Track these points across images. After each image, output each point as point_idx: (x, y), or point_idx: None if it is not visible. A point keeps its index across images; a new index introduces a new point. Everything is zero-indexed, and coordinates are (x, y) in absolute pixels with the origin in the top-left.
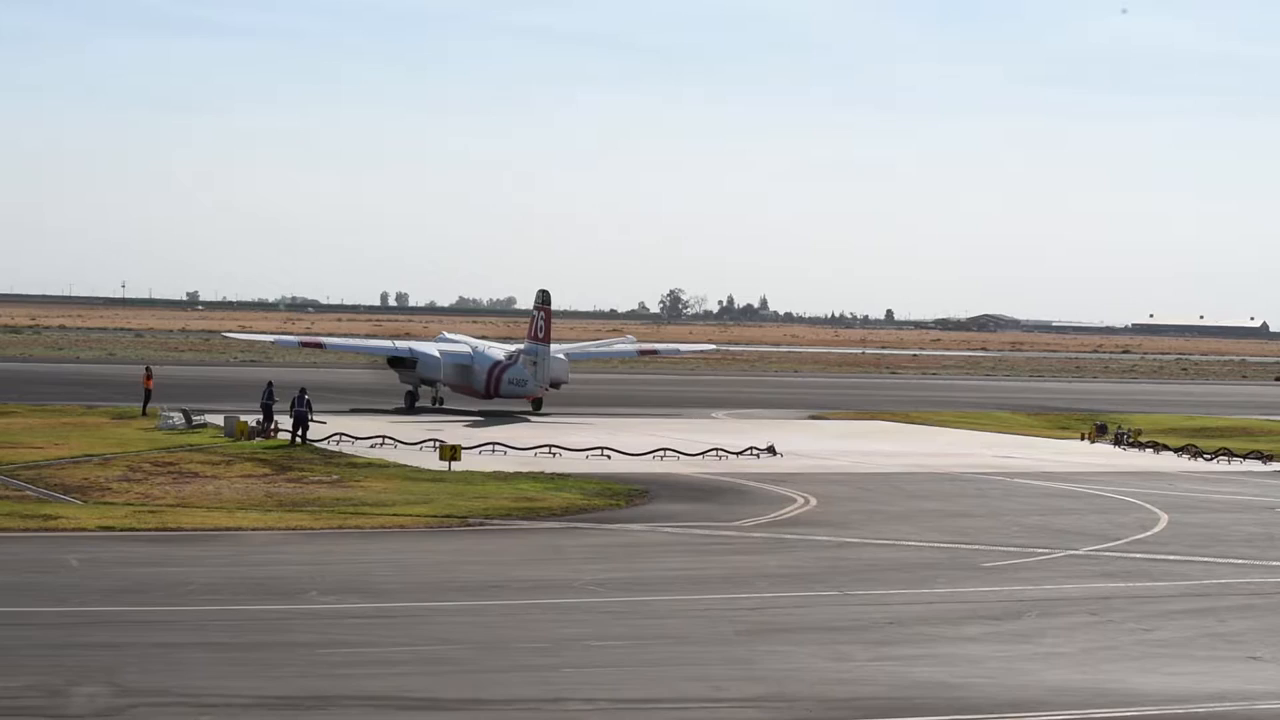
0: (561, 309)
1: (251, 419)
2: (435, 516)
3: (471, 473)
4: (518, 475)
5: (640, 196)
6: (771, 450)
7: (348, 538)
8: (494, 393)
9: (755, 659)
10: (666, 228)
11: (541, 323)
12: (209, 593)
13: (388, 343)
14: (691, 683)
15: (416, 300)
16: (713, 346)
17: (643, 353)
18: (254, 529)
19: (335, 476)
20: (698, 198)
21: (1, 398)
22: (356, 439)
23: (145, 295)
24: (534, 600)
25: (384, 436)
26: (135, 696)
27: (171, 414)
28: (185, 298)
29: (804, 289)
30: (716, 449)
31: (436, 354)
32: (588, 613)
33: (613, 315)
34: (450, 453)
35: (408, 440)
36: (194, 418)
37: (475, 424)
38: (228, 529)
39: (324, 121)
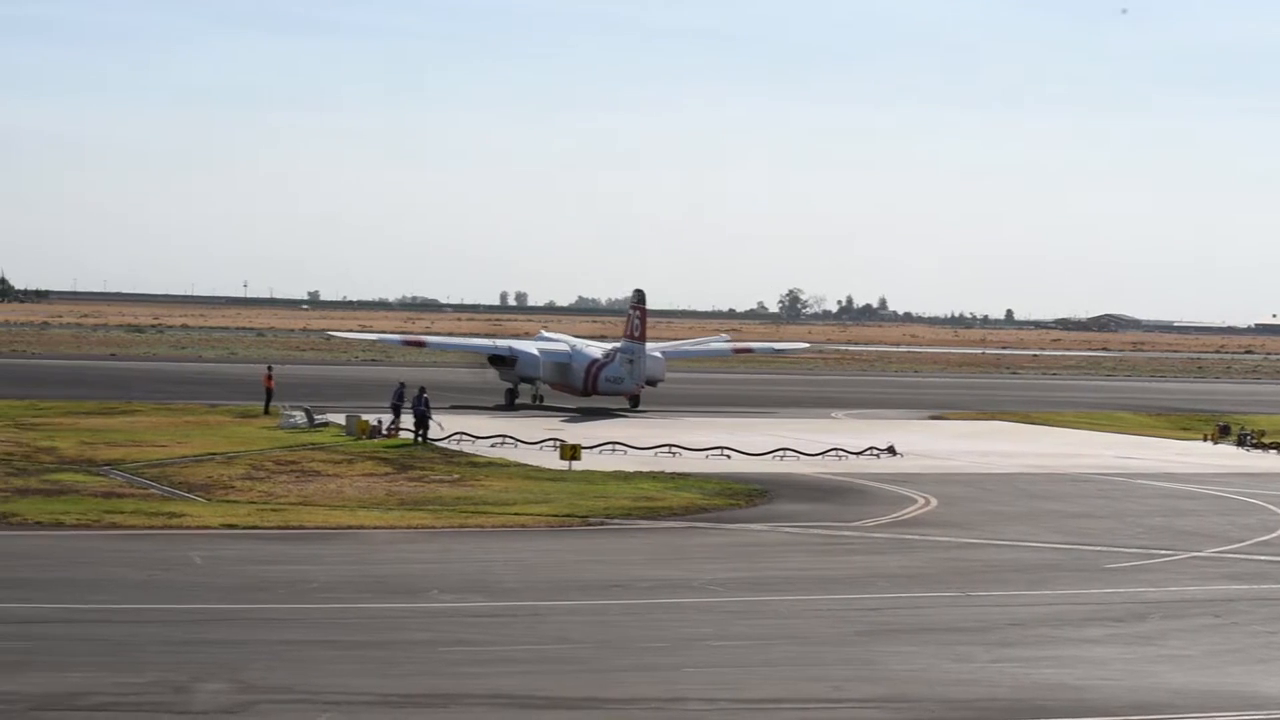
0: (680, 308)
1: (373, 418)
2: (556, 516)
3: (592, 472)
4: (638, 475)
5: (760, 195)
6: (892, 450)
7: (469, 536)
8: (592, 390)
9: (876, 659)
10: (786, 227)
11: (637, 322)
12: (331, 590)
13: (488, 341)
14: (812, 683)
15: (536, 300)
16: (806, 345)
17: (737, 351)
18: (376, 527)
19: (456, 475)
20: (817, 197)
21: (126, 396)
22: (477, 438)
23: (266, 294)
24: (654, 600)
25: (504, 436)
26: (258, 693)
27: (293, 413)
28: (305, 297)
29: (924, 289)
30: (836, 449)
31: (535, 352)
32: (708, 612)
33: (731, 315)
34: (571, 452)
35: (528, 439)
36: (316, 417)
37: (574, 420)
38: (349, 527)
39: (440, 120)
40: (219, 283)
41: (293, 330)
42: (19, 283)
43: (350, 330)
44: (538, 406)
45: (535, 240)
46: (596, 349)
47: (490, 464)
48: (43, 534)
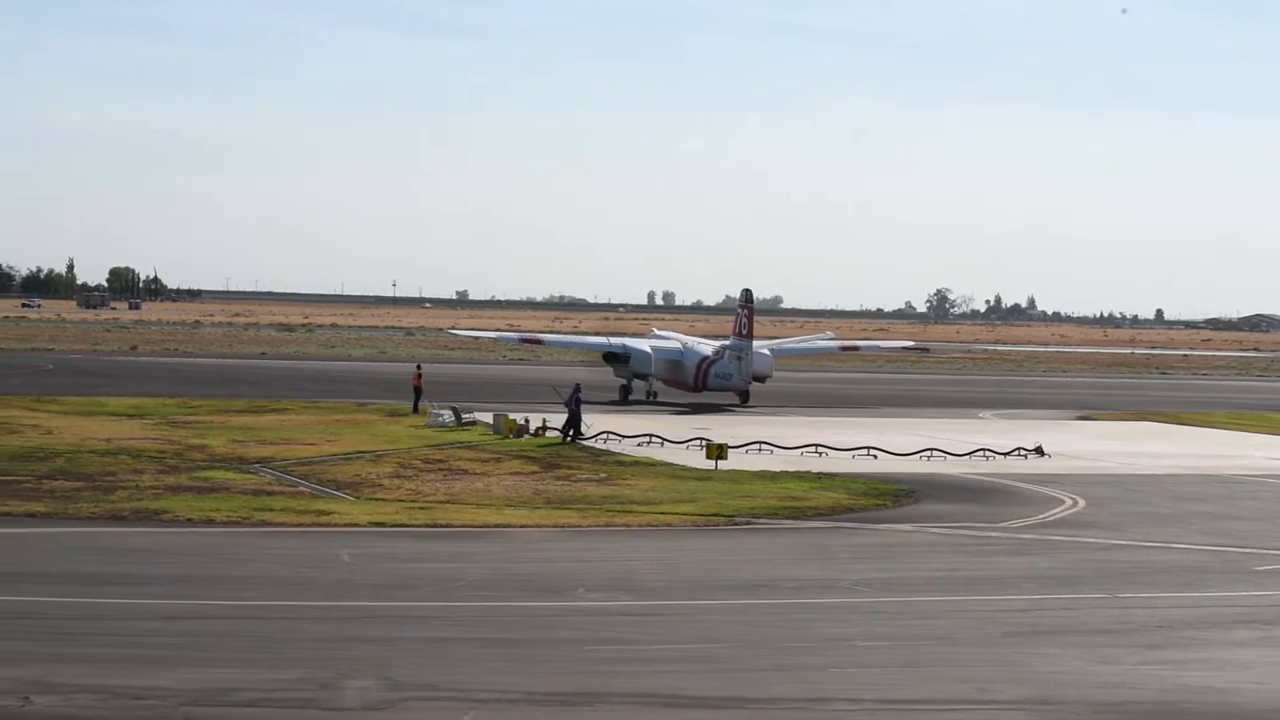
0: (827, 308)
1: (520, 416)
2: (702, 515)
3: (738, 471)
4: (784, 474)
5: (908, 195)
6: (1039, 451)
7: (615, 535)
8: (702, 386)
9: (1022, 661)
10: (935, 226)
11: (745, 320)
12: (478, 588)
13: (603, 339)
14: (958, 684)
15: (683, 299)
16: (911, 344)
17: (844, 349)
18: (522, 526)
19: (602, 474)
20: (966, 197)
21: (276, 394)
22: (623, 437)
23: (415, 294)
24: (800, 600)
25: (650, 435)
26: (405, 690)
27: (441, 411)
28: (455, 296)
29: (1073, 288)
30: (984, 449)
31: (648, 349)
32: (854, 612)
33: (879, 314)
34: (717, 451)
35: (674, 438)
36: (463, 415)
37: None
38: (496, 526)
39: (588, 120)
40: (368, 282)
41: (441, 329)
42: (172, 282)
43: (471, 329)
44: (651, 402)
45: (683, 240)
46: (707, 346)
47: (636, 463)
48: (194, 531)
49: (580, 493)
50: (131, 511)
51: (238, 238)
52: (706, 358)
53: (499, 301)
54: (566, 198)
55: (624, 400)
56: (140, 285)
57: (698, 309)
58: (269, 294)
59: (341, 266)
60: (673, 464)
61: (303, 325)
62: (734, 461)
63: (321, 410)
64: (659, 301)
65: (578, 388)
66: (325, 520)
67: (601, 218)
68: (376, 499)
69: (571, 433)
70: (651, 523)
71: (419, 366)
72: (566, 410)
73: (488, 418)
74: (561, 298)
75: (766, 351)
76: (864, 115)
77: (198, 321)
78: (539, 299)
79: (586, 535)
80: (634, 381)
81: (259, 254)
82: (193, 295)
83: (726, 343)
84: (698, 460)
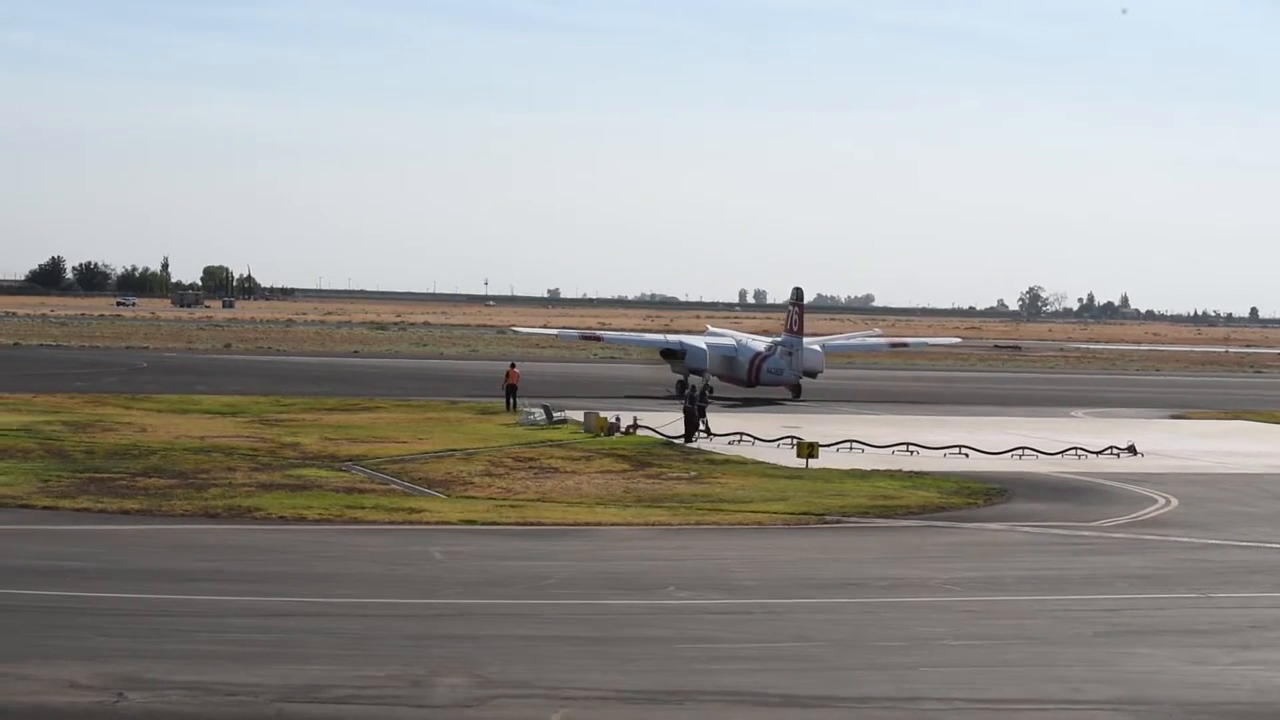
0: (918, 306)
1: (611, 414)
2: (793, 514)
3: (829, 470)
4: (875, 473)
5: (1001, 193)
6: (1132, 450)
7: (705, 534)
8: (755, 381)
9: (1114, 661)
10: (1028, 224)
11: (796, 317)
12: (568, 586)
13: (660, 336)
14: (1049, 683)
15: (775, 297)
16: (958, 340)
17: (893, 345)
18: (613, 524)
19: (693, 473)
20: (1060, 195)
21: (368, 392)
22: (714, 435)
23: (508, 292)
24: (891, 598)
25: (741, 433)
26: (496, 688)
27: (533, 410)
28: (547, 294)
29: (1166, 286)
30: (1076, 448)
31: (703, 346)
32: (945, 612)
33: (971, 313)
34: (808, 450)
35: (765, 437)
36: (554, 414)
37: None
38: (587, 524)
39: (680, 118)
40: (461, 281)
41: (532, 329)
42: (265, 281)
43: (521, 326)
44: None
45: (775, 238)
46: (760, 343)
47: (727, 461)
48: (286, 528)
49: (671, 491)
50: (224, 509)
51: (331, 237)
52: (759, 354)
53: (590, 300)
54: (659, 195)
55: (680, 394)
56: (234, 284)
57: (786, 307)
58: (361, 293)
59: (434, 265)
60: (763, 462)
61: (395, 323)
62: (825, 460)
63: (413, 408)
64: (750, 300)
65: (693, 389)
66: (417, 518)
67: (694, 215)
68: (468, 497)
69: (693, 433)
70: (742, 521)
71: (513, 364)
72: (682, 411)
73: (579, 416)
74: (653, 296)
75: (817, 348)
76: (956, 112)
77: (290, 320)
78: (630, 297)
79: (677, 533)
80: (690, 377)
81: (352, 253)
82: (286, 294)
83: (779, 339)
84: (788, 459)
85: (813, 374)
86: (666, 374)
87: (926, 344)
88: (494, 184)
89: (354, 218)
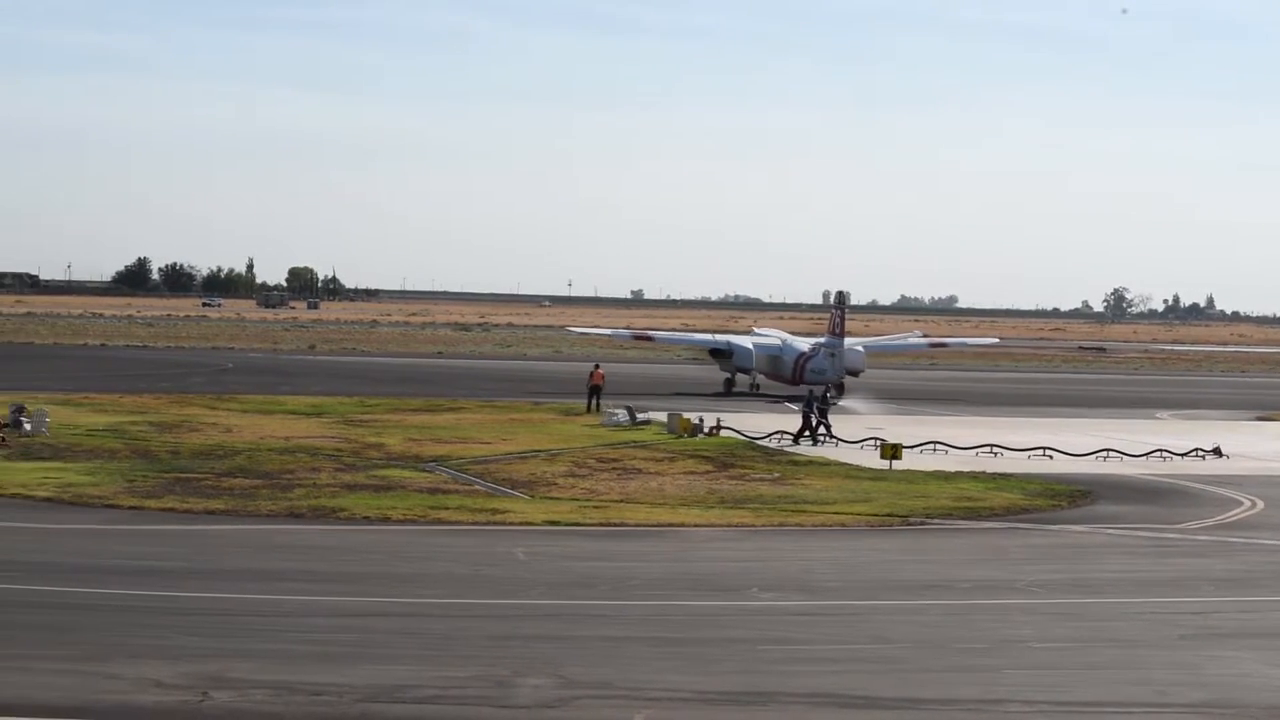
0: (1001, 308)
1: (694, 415)
2: (876, 515)
3: (912, 471)
4: (959, 474)
5: (1084, 194)
6: (1218, 452)
7: (788, 535)
8: (799, 380)
9: (1200, 664)
10: (1112, 225)
11: (839, 320)
12: (651, 588)
13: (708, 336)
14: (1135, 687)
15: (859, 299)
16: (997, 340)
17: (933, 345)
18: (696, 525)
19: (776, 474)
20: (1144, 196)
21: (452, 393)
22: (838, 440)
23: (590, 293)
24: (974, 600)
25: (874, 438)
26: (579, 688)
27: (616, 410)
28: (630, 295)
29: (1252, 287)
30: (1161, 450)
31: (749, 346)
32: (1029, 614)
33: (1055, 314)
34: (891, 451)
35: (849, 438)
36: (638, 415)
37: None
38: (670, 525)
39: (764, 119)
40: (545, 281)
41: (615, 329)
42: (349, 282)
43: (589, 326)
44: (753, 394)
45: (859, 239)
46: (804, 344)
47: (810, 463)
48: (370, 529)
49: (754, 492)
50: (309, 509)
51: (415, 238)
52: (803, 354)
53: (673, 301)
54: (744, 196)
55: (727, 392)
56: (318, 285)
57: (871, 308)
58: (445, 294)
59: (517, 266)
60: (847, 464)
61: (478, 324)
62: (908, 461)
63: (496, 409)
64: (833, 301)
65: (812, 394)
66: (500, 519)
67: (779, 216)
68: (551, 498)
69: (808, 433)
70: (825, 522)
71: (597, 365)
72: (801, 415)
73: (662, 416)
74: (736, 297)
75: (860, 348)
76: (1038, 112)
77: (375, 321)
78: (714, 298)
79: (760, 535)
80: (737, 375)
81: (435, 254)
82: (370, 295)
83: (822, 340)
84: (872, 460)
85: (855, 373)
86: (715, 373)
87: (965, 344)
88: (577, 184)
89: (438, 219)
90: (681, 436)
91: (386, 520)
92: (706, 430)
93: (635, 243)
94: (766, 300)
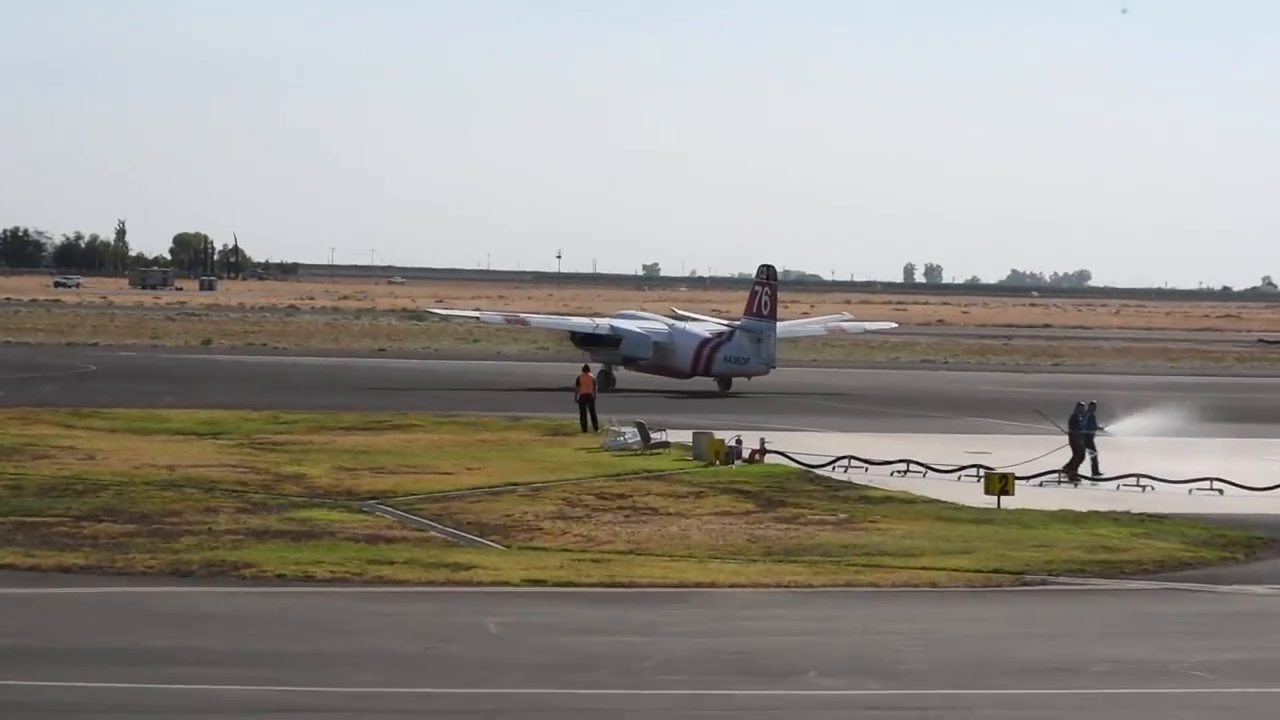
0: (1150, 286)
1: (729, 435)
2: (979, 571)
3: (1027, 511)
4: (1092, 515)
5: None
6: None
7: (859, 599)
8: (704, 372)
9: None
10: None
11: (766, 298)
12: (672, 671)
13: (588, 320)
14: None
15: (953, 275)
16: (894, 325)
17: (830, 330)
18: (732, 585)
19: (842, 515)
20: None
21: (399, 405)
22: (870, 464)
23: (588, 269)
24: (1114, 689)
25: (908, 461)
26: None
27: (623, 429)
28: (642, 271)
29: None
30: None
31: (641, 331)
32: (1191, 708)
33: (1226, 295)
34: (1000, 484)
35: (941, 465)
36: (652, 434)
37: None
38: (697, 585)
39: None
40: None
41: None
42: (258, 254)
43: (437, 306)
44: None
45: (957, 212)
46: (701, 328)
47: (888, 499)
48: (287, 591)
49: (812, 540)
50: (201, 564)
51: (348, 197)
52: (706, 340)
53: (698, 278)
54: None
55: (606, 389)
56: (215, 258)
57: (972, 286)
58: (389, 269)
59: (489, 236)
60: (937, 500)
61: (436, 311)
62: (1022, 497)
63: (460, 427)
64: (919, 278)
65: (1080, 405)
66: (465, 577)
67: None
68: (534, 548)
69: (1078, 471)
70: (910, 581)
71: (586, 367)
72: (1067, 439)
73: (686, 437)
74: (785, 272)
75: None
76: (1190, 84)
77: (293, 307)
78: (752, 274)
79: (820, 598)
80: (616, 369)
81: (376, 217)
82: (286, 271)
83: (740, 321)
84: (973, 495)
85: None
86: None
87: (866, 329)
88: (571, 130)
89: (379, 169)
90: (712, 464)
91: (309, 579)
92: (746, 455)
93: (647, 206)
94: (829, 277)
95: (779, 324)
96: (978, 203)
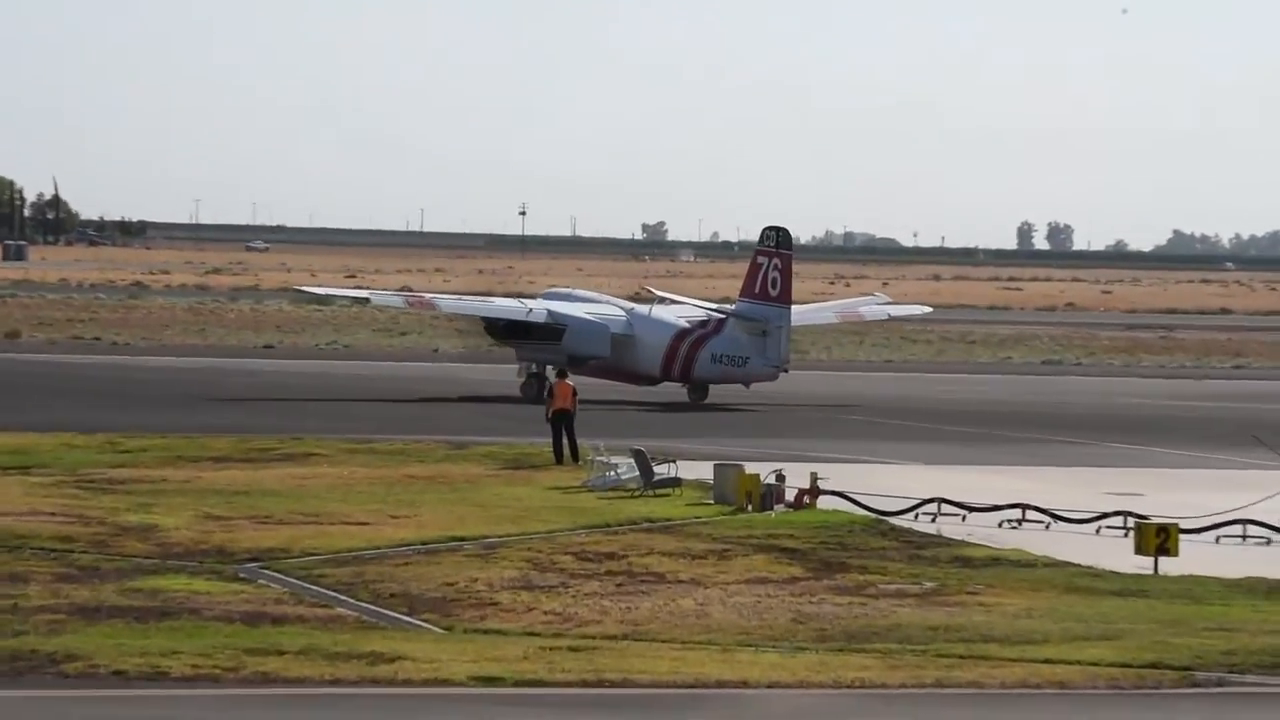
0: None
1: (766, 470)
2: (1128, 666)
3: (1196, 577)
4: None
5: None
6: None
7: (954, 704)
8: (680, 375)
9: None
10: None
11: (776, 274)
12: None
13: (515, 302)
14: None
15: (1089, 239)
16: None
17: (843, 317)
18: (771, 685)
19: (929, 584)
20: None
21: (291, 427)
22: (970, 509)
23: (565, 232)
24: None
25: (1024, 506)
26: None
27: (614, 460)
28: (642, 233)
29: None
30: None
31: (591, 317)
32: None
33: None
34: (1157, 540)
35: (1071, 511)
36: (656, 467)
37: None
38: (719, 685)
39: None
40: (478, 214)
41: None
42: (88, 211)
43: (308, 285)
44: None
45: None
46: (673, 313)
47: (995, 560)
48: (128, 695)
49: (886, 620)
50: (7, 658)
51: (215, 131)
52: (684, 331)
53: (726, 244)
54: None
55: (538, 397)
56: (25, 214)
57: (1118, 255)
58: (279, 230)
59: (420, 186)
60: (1068, 563)
61: (350, 293)
62: (1189, 557)
63: (381, 457)
64: (1039, 243)
65: None
66: (387, 674)
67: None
68: (487, 630)
69: None
70: (1027, 680)
71: (561, 372)
72: None
73: (705, 469)
74: (848, 236)
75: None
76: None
77: (139, 284)
78: (805, 240)
79: (898, 703)
80: (547, 368)
81: (257, 160)
82: (130, 233)
83: (731, 306)
84: (1117, 555)
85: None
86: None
87: (891, 314)
88: (541, 36)
89: (263, 98)
90: (743, 509)
91: (160, 678)
92: (791, 497)
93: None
94: (908, 243)
95: (794, 309)
96: (1124, 131)
